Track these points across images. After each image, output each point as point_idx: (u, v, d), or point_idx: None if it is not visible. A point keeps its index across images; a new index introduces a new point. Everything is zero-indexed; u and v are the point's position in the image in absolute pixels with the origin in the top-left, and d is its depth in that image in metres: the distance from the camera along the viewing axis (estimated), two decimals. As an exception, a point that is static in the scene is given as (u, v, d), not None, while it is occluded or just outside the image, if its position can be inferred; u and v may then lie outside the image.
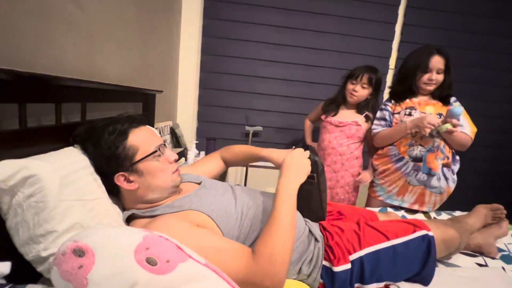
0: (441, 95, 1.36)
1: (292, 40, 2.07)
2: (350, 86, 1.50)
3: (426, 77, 1.33)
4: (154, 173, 0.70)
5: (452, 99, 1.37)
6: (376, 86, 1.49)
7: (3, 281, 0.50)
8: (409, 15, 2.07)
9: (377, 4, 2.04)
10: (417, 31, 2.08)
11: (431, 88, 1.34)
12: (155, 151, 0.70)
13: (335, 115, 1.56)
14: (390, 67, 2.15)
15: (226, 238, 0.66)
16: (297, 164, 0.77)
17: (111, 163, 0.67)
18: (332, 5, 2.03)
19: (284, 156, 0.80)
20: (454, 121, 1.18)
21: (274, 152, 0.88)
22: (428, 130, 1.22)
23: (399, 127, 1.36)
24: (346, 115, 1.55)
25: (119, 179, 0.68)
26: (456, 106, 1.29)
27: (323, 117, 1.60)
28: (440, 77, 1.32)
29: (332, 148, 1.55)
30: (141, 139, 0.70)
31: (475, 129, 1.33)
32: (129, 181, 0.69)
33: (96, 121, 0.73)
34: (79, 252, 0.39)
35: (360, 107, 1.53)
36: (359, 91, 1.47)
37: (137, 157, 0.68)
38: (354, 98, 1.49)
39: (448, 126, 1.19)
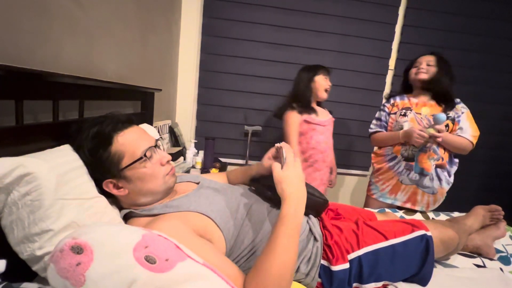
0: (440, 93, 1.35)
1: (292, 39, 2.06)
2: (324, 81, 1.50)
3: (414, 70, 1.39)
4: (143, 178, 0.67)
5: (456, 100, 1.37)
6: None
7: (-2, 280, 0.49)
8: (409, 16, 2.08)
9: (377, 5, 2.04)
10: (417, 32, 2.09)
11: (421, 76, 1.36)
12: (141, 157, 0.66)
13: (316, 115, 1.49)
14: (389, 67, 2.15)
15: (225, 259, 0.60)
16: (299, 183, 0.66)
17: (97, 170, 0.65)
18: (331, 5, 2.03)
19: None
20: (438, 127, 1.23)
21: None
22: (419, 142, 1.26)
23: (393, 135, 1.40)
24: (323, 113, 1.56)
25: (108, 186, 0.67)
26: (440, 113, 1.28)
27: (308, 118, 1.47)
28: (431, 69, 1.34)
29: (325, 149, 1.53)
30: (127, 143, 0.66)
31: (477, 133, 1.32)
32: (118, 188, 0.67)
33: (85, 121, 0.70)
34: (77, 249, 0.39)
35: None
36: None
37: (124, 164, 0.65)
38: (326, 94, 1.52)
39: (431, 130, 1.23)
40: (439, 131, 1.23)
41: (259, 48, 2.07)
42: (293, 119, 1.47)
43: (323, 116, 1.54)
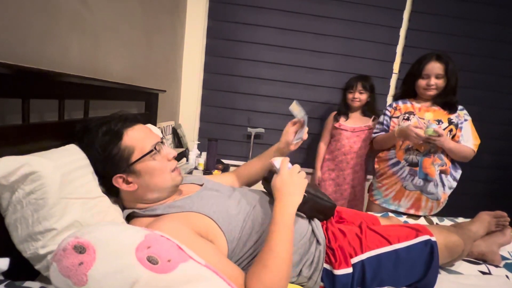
0: (444, 101, 1.34)
1: (296, 42, 2.07)
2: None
3: (423, 82, 1.34)
4: (152, 173, 0.69)
5: (460, 107, 1.35)
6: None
7: (1, 277, 0.50)
8: (414, 20, 2.07)
9: (382, 8, 2.04)
10: (421, 36, 2.08)
11: (431, 93, 1.34)
12: (152, 150, 0.68)
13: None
14: (394, 71, 2.15)
15: (227, 261, 0.62)
16: (290, 184, 0.71)
17: (107, 166, 0.66)
18: (336, 9, 2.03)
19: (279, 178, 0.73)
20: (436, 129, 1.22)
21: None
22: (416, 141, 1.24)
23: (390, 134, 1.39)
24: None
25: (118, 181, 0.67)
26: (431, 124, 1.27)
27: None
28: (440, 82, 1.32)
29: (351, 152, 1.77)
30: (136, 138, 0.68)
31: (478, 142, 1.33)
32: (127, 183, 0.68)
33: (91, 120, 0.71)
34: (80, 249, 0.39)
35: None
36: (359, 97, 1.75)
37: (134, 158, 0.67)
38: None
39: (430, 131, 1.22)
40: (439, 134, 1.21)
41: (263, 50, 2.07)
42: None
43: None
